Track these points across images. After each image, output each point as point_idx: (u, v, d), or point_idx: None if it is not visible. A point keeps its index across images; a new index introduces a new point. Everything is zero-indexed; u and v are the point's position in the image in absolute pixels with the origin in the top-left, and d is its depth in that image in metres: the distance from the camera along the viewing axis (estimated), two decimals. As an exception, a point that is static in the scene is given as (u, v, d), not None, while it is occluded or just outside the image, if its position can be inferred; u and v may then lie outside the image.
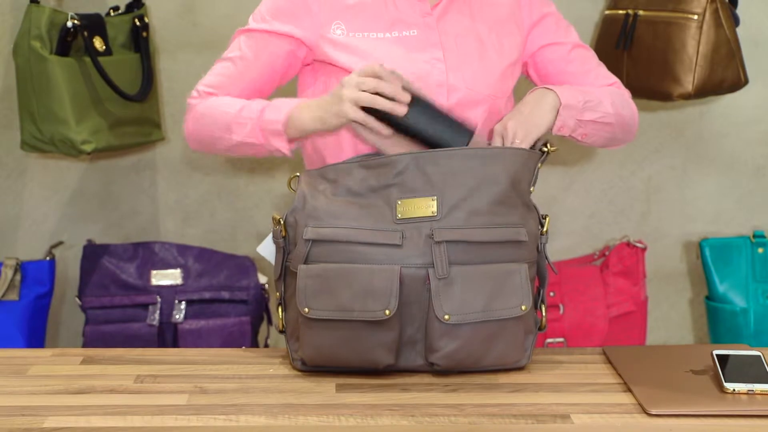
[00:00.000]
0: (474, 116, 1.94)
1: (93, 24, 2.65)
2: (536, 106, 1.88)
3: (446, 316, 1.70)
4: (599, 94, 1.95)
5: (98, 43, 2.65)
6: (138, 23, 2.75)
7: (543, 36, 2.03)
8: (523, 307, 1.74)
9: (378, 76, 1.77)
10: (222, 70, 1.98)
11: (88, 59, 2.62)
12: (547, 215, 1.83)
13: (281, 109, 1.86)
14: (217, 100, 1.94)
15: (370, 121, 1.77)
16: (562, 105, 1.88)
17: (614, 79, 2.07)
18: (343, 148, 1.93)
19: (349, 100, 1.76)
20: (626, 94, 2.06)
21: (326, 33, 1.93)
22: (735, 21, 2.66)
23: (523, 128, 1.84)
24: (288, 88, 2.04)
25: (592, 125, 1.93)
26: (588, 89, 1.96)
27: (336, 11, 1.93)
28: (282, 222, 1.78)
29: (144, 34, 2.75)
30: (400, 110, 1.76)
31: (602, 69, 2.07)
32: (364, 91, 1.76)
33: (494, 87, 1.96)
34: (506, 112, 1.98)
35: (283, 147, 1.86)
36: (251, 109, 1.88)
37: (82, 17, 2.62)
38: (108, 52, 2.67)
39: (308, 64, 1.99)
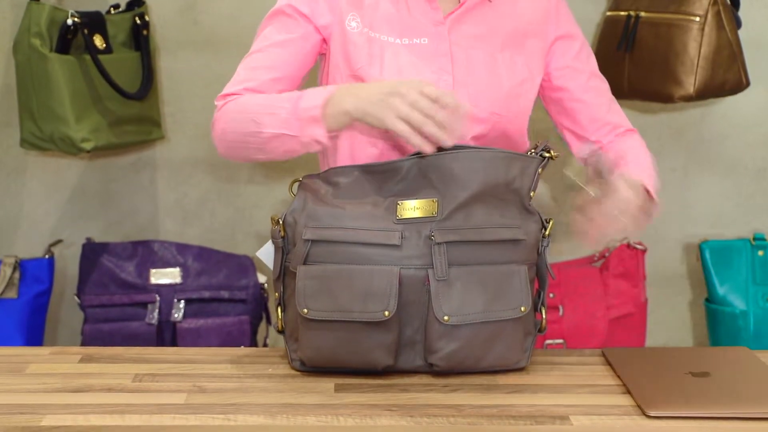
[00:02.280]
0: (476, 134, 1.91)
1: (93, 22, 2.64)
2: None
3: (446, 317, 1.70)
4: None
5: (98, 41, 2.64)
6: (138, 21, 2.74)
7: (564, 55, 1.98)
8: (523, 309, 1.73)
9: (437, 102, 1.66)
10: (252, 63, 1.89)
11: (88, 57, 2.61)
12: (551, 219, 1.82)
13: (318, 94, 1.75)
14: (248, 96, 1.84)
15: (413, 137, 1.67)
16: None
17: (625, 119, 2.01)
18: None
19: (397, 114, 1.67)
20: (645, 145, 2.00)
21: (343, 23, 1.91)
22: (737, 23, 2.65)
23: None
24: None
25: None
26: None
27: (353, 4, 1.91)
28: (281, 222, 1.78)
29: (144, 32, 2.75)
30: (445, 142, 1.67)
31: (615, 104, 2.02)
32: (417, 109, 1.65)
33: (499, 106, 1.92)
34: (517, 131, 1.95)
35: (320, 135, 1.73)
36: (285, 99, 1.78)
37: (82, 15, 2.62)
38: (108, 50, 2.66)
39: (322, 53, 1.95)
